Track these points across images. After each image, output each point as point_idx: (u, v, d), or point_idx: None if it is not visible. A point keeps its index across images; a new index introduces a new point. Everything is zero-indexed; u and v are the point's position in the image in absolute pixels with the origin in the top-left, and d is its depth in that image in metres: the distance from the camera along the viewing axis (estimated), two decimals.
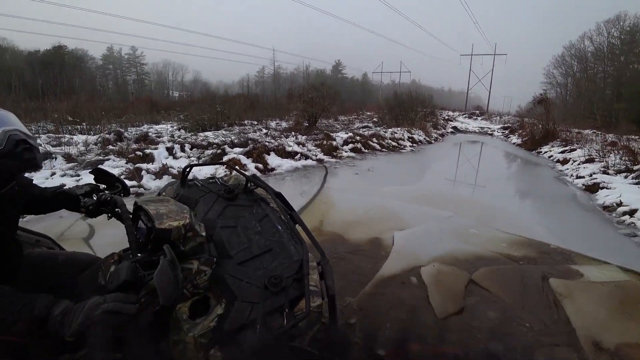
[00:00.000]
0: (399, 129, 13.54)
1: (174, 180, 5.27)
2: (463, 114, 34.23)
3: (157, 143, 8.10)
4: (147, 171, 6.05)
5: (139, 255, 1.07)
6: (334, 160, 8.36)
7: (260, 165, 6.87)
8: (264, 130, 10.71)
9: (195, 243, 1.23)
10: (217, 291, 1.18)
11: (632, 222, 5.13)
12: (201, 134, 10.06)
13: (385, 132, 12.38)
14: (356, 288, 2.86)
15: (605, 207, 5.94)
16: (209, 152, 7.40)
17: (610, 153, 9.42)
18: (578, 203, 6.35)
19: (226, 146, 7.55)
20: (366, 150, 9.90)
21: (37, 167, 1.07)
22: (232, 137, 8.63)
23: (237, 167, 6.70)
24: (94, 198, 1.47)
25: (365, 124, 16.43)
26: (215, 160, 6.97)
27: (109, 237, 3.39)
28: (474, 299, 2.83)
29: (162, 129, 11.20)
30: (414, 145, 12.49)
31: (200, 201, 1.55)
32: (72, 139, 8.48)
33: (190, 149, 7.63)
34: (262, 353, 1.04)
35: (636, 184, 7.00)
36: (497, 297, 2.86)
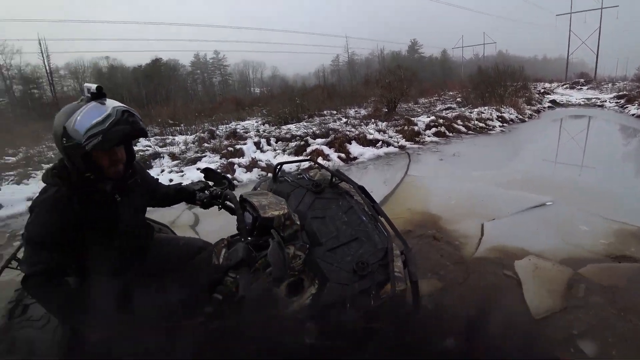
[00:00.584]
0: (486, 108, 12.50)
1: (266, 176, 5.67)
2: (563, 85, 29.87)
3: (245, 138, 8.71)
4: (239, 165, 6.55)
5: (249, 238, 1.27)
6: (416, 146, 8.10)
7: (342, 155, 6.97)
8: (344, 119, 10.80)
9: (292, 230, 1.46)
10: (310, 274, 1.35)
11: None
12: (284, 127, 10.53)
13: (471, 112, 11.54)
14: (440, 279, 2.78)
15: None
16: (292, 144, 7.72)
17: None
18: None
19: (308, 137, 7.80)
20: (450, 134, 9.37)
21: (143, 132, 1.25)
22: (314, 128, 8.87)
23: (321, 162, 6.95)
24: (207, 193, 1.71)
25: (448, 105, 15.50)
26: (299, 151, 7.26)
27: (211, 224, 3.83)
28: (578, 299, 2.51)
29: (248, 125, 12.01)
30: (505, 125, 11.43)
31: (292, 195, 1.75)
32: (174, 139, 9.57)
33: (276, 142, 8.05)
34: (350, 329, 1.16)
35: None
36: (607, 298, 2.50)
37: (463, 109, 12.59)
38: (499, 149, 8.32)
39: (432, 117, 10.00)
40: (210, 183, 1.78)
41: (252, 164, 6.61)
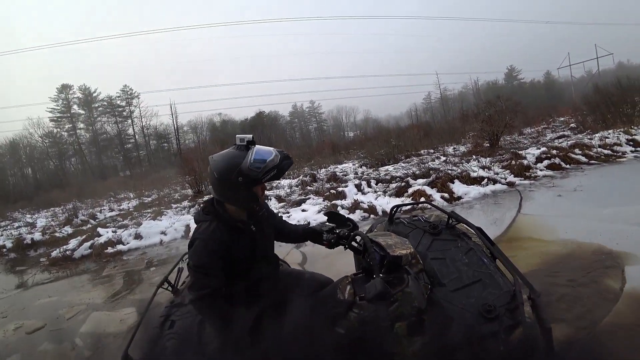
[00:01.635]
0: (610, 131, 11.02)
1: (380, 218, 5.91)
2: None
3: (345, 181, 9.21)
4: (342, 207, 6.93)
5: (381, 275, 1.35)
6: (527, 181, 7.53)
7: (445, 195, 6.89)
8: (442, 158, 10.65)
9: (417, 270, 1.51)
10: (432, 313, 1.36)
11: None
12: (381, 168, 10.82)
13: (591, 138, 10.31)
14: (576, 331, 2.50)
15: None
16: (393, 185, 7.90)
17: None
18: None
19: (409, 178, 7.91)
20: (568, 166, 8.48)
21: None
22: (413, 169, 8.96)
23: (432, 203, 7.02)
24: (335, 233, 1.82)
25: (561, 132, 14.05)
26: (400, 192, 7.39)
27: (318, 263, 4.11)
28: None
29: (346, 168, 12.60)
30: (638, 149, 9.91)
31: (409, 236, 1.81)
32: (279, 183, 10.56)
33: (376, 184, 8.33)
34: None
35: None
36: None
37: (580, 136, 11.32)
38: (633, 180, 7.21)
39: (543, 149, 9.24)
40: (334, 225, 1.88)
41: (355, 206, 6.93)
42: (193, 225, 1.83)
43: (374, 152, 12.64)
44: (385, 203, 6.84)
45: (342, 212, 6.85)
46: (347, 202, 7.18)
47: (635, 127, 11.52)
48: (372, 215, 6.56)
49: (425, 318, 1.37)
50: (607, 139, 10.14)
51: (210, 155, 1.59)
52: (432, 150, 13.01)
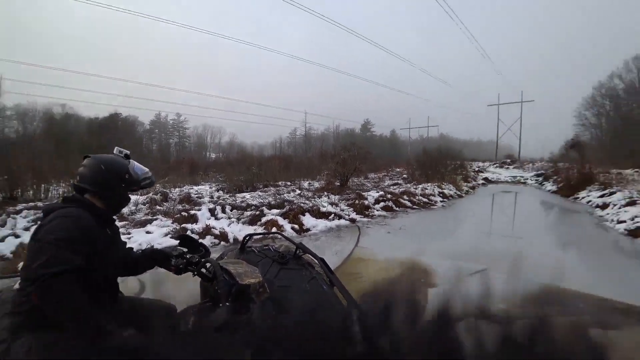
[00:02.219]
0: (429, 184, 13.69)
1: (231, 246, 5.67)
2: (494, 164, 33.68)
3: (200, 204, 8.73)
4: (192, 231, 6.51)
5: (227, 304, 1.35)
6: (366, 219, 8.60)
7: (296, 226, 7.21)
8: (298, 191, 11.23)
9: (264, 298, 1.55)
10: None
11: None
12: (239, 195, 10.69)
13: (416, 188, 12.57)
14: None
15: None
16: (248, 213, 7.87)
17: None
18: (619, 248, 6.25)
19: (264, 207, 8.01)
20: (397, 208, 10.07)
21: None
22: (269, 199, 9.15)
23: (284, 234, 7.14)
24: (184, 259, 1.71)
25: (396, 181, 16.72)
26: (254, 221, 7.39)
27: (158, 292, 3.75)
28: (515, 353, 2.86)
29: (202, 190, 12.01)
30: (445, 200, 12.54)
31: (259, 265, 1.86)
32: None
33: (231, 210, 8.14)
34: None
35: None
36: (536, 351, 2.88)
37: (409, 185, 13.66)
38: (441, 223, 9.09)
39: (381, 192, 10.76)
40: (185, 249, 1.79)
41: (206, 231, 6.59)
42: None
43: (233, 177, 12.47)
44: (238, 230, 6.73)
45: (192, 236, 6.41)
46: (198, 226, 6.77)
47: (445, 183, 14.59)
48: (222, 242, 6.34)
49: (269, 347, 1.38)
50: (426, 190, 12.50)
51: (91, 155, 1.61)
52: (289, 183, 13.62)
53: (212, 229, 6.67)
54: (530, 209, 12.06)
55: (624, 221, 7.86)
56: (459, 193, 14.22)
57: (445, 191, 13.40)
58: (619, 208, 9.11)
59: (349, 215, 8.37)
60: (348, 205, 9.09)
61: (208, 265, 1.69)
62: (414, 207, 10.68)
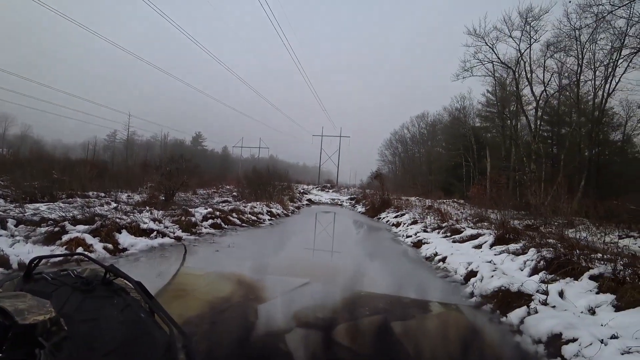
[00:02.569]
0: (258, 203, 14.24)
1: (14, 273, 4.53)
2: (317, 187, 38.21)
3: None
4: None
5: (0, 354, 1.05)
6: (193, 237, 8.27)
7: (109, 246, 6.32)
8: (114, 204, 9.86)
9: (59, 338, 1.22)
10: None
11: (445, 267, 6.85)
12: (30, 205, 8.63)
13: (245, 206, 12.87)
14: None
15: (427, 258, 7.84)
16: (42, 229, 6.44)
17: (428, 215, 12.25)
18: (408, 257, 8.10)
19: (66, 223, 6.70)
20: (226, 226, 10.09)
21: None
22: (74, 212, 7.72)
23: (87, 251, 6.08)
24: None
25: (225, 198, 16.67)
26: (51, 239, 6.11)
27: None
28: (336, 354, 3.36)
29: None
30: (273, 218, 13.29)
31: (53, 295, 1.48)
32: None
33: (15, 226, 6.50)
34: None
35: (444, 237, 9.32)
36: (353, 349, 3.49)
37: (238, 203, 13.86)
38: (269, 240, 9.64)
39: (210, 209, 10.56)
40: None
41: None
42: None
43: (23, 181, 9.94)
44: (26, 252, 5.41)
45: None
46: None
47: (273, 202, 15.48)
48: (1, 269, 4.99)
49: None
50: (255, 208, 12.97)
51: None
52: (103, 194, 11.79)
53: None
54: (345, 226, 14.15)
55: (410, 235, 10.36)
56: (285, 212, 15.29)
57: (273, 210, 14.21)
58: (407, 226, 11.86)
59: (174, 233, 7.88)
60: (173, 221, 8.54)
61: None
62: (243, 225, 10.92)
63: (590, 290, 4.30)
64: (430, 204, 15.80)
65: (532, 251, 5.94)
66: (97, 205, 9.29)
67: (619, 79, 17.63)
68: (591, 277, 4.48)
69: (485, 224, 9.75)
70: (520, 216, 10.19)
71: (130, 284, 1.69)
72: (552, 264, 5.19)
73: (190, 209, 10.09)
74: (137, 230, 7.19)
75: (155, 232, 7.41)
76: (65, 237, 6.17)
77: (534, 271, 5.31)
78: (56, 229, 6.45)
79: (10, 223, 6.56)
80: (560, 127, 22.71)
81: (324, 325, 4.01)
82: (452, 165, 29.54)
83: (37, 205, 8.75)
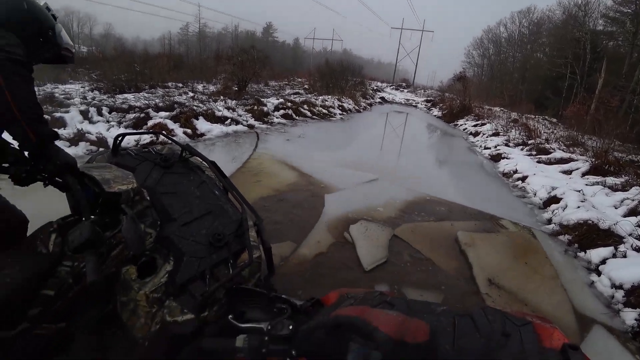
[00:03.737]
0: (329, 97, 13.77)
1: (103, 149, 4.88)
2: (391, 86, 35.77)
3: (68, 105, 7.30)
4: (60, 137, 5.47)
5: (92, 217, 1.08)
6: (264, 126, 8.35)
7: (188, 131, 6.62)
8: (191, 94, 10.17)
9: (142, 207, 1.34)
10: (164, 251, 1.27)
11: (523, 186, 6.12)
12: (119, 96, 9.24)
13: (317, 99, 12.54)
14: (291, 246, 3.09)
15: (505, 174, 6.98)
16: (130, 116, 6.89)
17: (512, 129, 10.82)
18: (484, 170, 7.35)
19: (150, 110, 7.08)
20: (297, 117, 9.99)
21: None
22: (156, 100, 8.09)
23: (169, 135, 6.40)
24: (26, 165, 1.22)
25: (296, 90, 16.35)
26: (138, 124, 6.54)
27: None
28: (396, 250, 3.25)
29: (70, 90, 10.03)
30: (344, 113, 12.88)
31: (137, 169, 1.59)
32: None
33: (109, 113, 7.02)
34: (213, 298, 1.15)
35: (528, 155, 8.20)
36: (415, 248, 3.33)
37: (309, 96, 13.53)
38: (339, 134, 9.41)
39: (281, 100, 10.44)
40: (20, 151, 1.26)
41: (79, 137, 5.59)
42: None
43: (112, 75, 10.58)
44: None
45: (60, 144, 5.38)
46: (67, 131, 5.69)
47: (345, 97, 14.85)
48: (102, 149, 5.49)
49: (157, 257, 1.24)
50: (326, 102, 12.58)
51: None
52: (180, 85, 12.22)
53: (86, 135, 5.70)
54: (417, 128, 13.24)
55: (489, 148, 9.33)
56: (357, 108, 14.70)
57: (345, 105, 13.71)
58: (487, 137, 10.64)
59: (247, 121, 7.99)
60: (246, 110, 8.63)
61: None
62: (314, 117, 10.74)
63: None
64: (516, 117, 13.77)
65: (635, 189, 4.88)
66: (176, 95, 9.65)
67: None
68: None
69: (580, 149, 8.16)
70: (627, 150, 8.13)
71: (205, 163, 1.73)
72: None
73: (262, 99, 10.06)
74: (212, 118, 7.38)
75: (229, 120, 7.56)
76: (150, 122, 6.55)
77: (633, 213, 4.33)
78: (142, 115, 6.86)
79: (105, 111, 7.09)
80: None
81: (389, 220, 3.87)
82: (552, 75, 23.86)
83: (125, 95, 9.32)
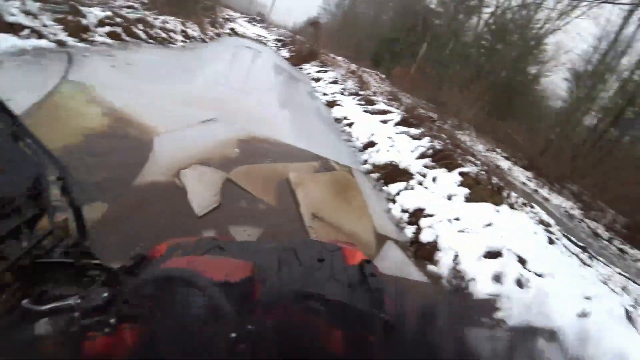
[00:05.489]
0: (172, 18, 12.20)
1: None
2: (244, 17, 33.68)
3: None
4: None
5: None
6: (82, 45, 6.91)
7: None
8: None
9: None
10: None
11: (350, 132, 7.49)
12: None
13: (156, 19, 10.98)
14: (112, 195, 2.86)
15: (337, 120, 8.37)
16: None
17: (349, 79, 12.34)
18: (319, 114, 8.52)
19: None
20: (128, 39, 8.61)
21: None
22: None
23: None
24: None
25: (131, 3, 13.75)
26: None
27: None
28: (229, 194, 3.51)
29: None
30: (187, 40, 11.79)
31: None
32: None
33: None
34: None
35: (358, 104, 9.78)
36: (247, 190, 3.68)
37: (148, 13, 11.68)
38: (178, 65, 8.75)
39: (109, 13, 8.69)
40: None
41: None
42: None
43: None
44: None
45: None
46: None
47: (191, 22, 13.48)
48: None
49: None
50: (167, 25, 11.21)
51: None
52: None
53: None
54: (263, 69, 13.20)
55: (327, 94, 10.54)
56: (202, 37, 13.57)
57: (189, 31, 12.49)
58: (327, 84, 11.78)
59: (55, 35, 6.44)
60: (55, 20, 6.85)
61: None
62: (150, 41, 9.48)
63: (455, 182, 5.07)
64: (354, 69, 15.48)
65: (426, 139, 6.54)
66: None
67: (570, 21, 18.07)
68: (460, 173, 5.22)
69: (397, 104, 10.20)
70: (429, 107, 10.93)
71: None
72: (437, 154, 5.86)
73: (80, 8, 8.15)
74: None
75: (27, 30, 5.94)
76: None
77: (422, 156, 5.96)
78: None
79: None
80: (498, 42, 23.01)
81: (223, 163, 4.09)
82: (391, 37, 27.80)
83: None
